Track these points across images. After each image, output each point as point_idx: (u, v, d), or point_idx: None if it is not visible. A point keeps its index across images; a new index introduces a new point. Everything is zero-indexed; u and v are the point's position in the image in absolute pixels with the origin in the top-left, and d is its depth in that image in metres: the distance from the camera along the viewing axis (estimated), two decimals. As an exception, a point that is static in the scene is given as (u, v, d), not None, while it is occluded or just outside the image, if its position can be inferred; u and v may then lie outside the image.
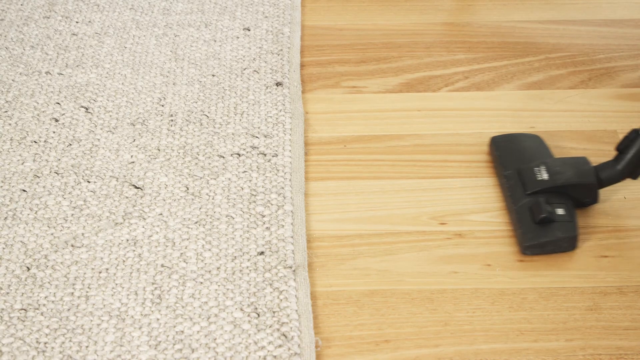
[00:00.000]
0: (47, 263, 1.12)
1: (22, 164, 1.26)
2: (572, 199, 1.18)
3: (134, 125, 1.34)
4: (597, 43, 1.55)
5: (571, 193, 1.18)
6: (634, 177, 1.19)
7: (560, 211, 1.16)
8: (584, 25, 1.59)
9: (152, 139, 1.31)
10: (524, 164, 1.22)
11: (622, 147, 1.18)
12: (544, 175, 1.19)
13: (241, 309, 1.06)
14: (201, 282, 1.09)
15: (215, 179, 1.24)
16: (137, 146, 1.30)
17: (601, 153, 1.31)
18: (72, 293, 1.08)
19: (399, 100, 1.43)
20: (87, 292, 1.08)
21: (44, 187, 1.23)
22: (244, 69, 1.46)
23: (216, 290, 1.08)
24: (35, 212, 1.19)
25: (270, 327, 1.04)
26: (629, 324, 1.06)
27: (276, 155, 1.28)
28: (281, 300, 1.07)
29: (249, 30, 1.56)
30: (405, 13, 1.64)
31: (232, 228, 1.17)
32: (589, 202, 1.20)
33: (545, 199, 1.16)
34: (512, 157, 1.25)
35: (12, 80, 1.43)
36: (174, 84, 1.43)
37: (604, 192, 1.24)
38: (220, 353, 1.01)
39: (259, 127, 1.34)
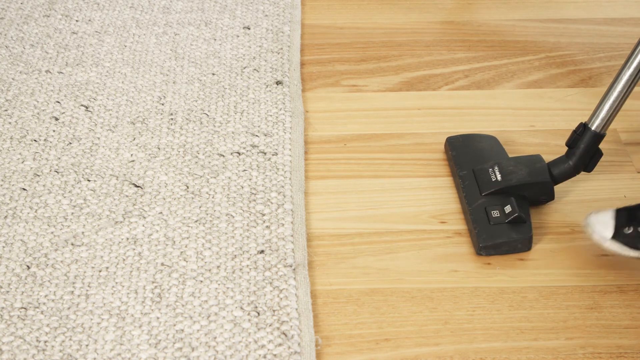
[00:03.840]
0: (47, 262, 1.12)
1: (22, 162, 1.26)
2: (527, 198, 1.18)
3: (134, 124, 1.34)
4: (597, 42, 1.55)
5: (525, 192, 1.18)
6: (589, 170, 1.19)
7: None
8: (584, 24, 1.59)
9: (152, 137, 1.31)
10: (479, 165, 1.22)
11: (571, 142, 1.18)
12: (497, 175, 1.18)
13: (241, 308, 1.06)
14: (201, 281, 1.09)
15: (215, 177, 1.24)
16: (137, 145, 1.30)
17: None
18: (72, 292, 1.08)
19: (399, 98, 1.43)
20: (87, 290, 1.08)
21: (44, 185, 1.23)
22: (244, 68, 1.46)
23: (216, 289, 1.08)
24: (35, 211, 1.19)
25: (270, 325, 1.04)
26: (629, 322, 1.06)
27: (276, 153, 1.28)
28: (281, 298, 1.07)
29: (249, 28, 1.56)
30: (406, 12, 1.64)
31: (232, 227, 1.17)
32: (545, 200, 1.20)
33: (496, 201, 1.15)
34: (467, 158, 1.25)
35: (12, 78, 1.43)
36: (174, 82, 1.43)
37: (605, 191, 1.24)
38: (220, 352, 1.01)
39: (259, 126, 1.34)
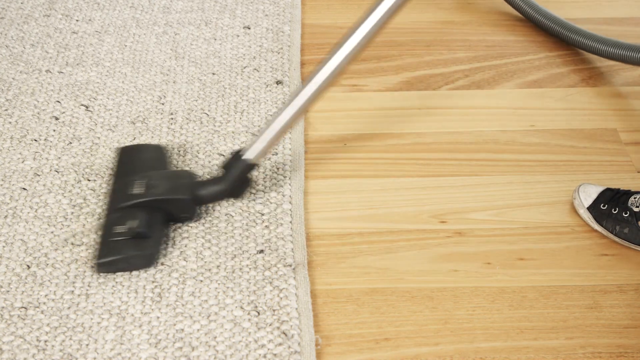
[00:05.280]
0: (47, 261, 1.12)
1: (23, 162, 1.26)
2: (167, 213, 1.14)
3: (134, 124, 1.34)
4: (597, 41, 1.55)
5: (165, 207, 1.14)
6: (235, 197, 1.18)
7: (136, 226, 1.10)
8: (585, 24, 1.59)
9: (152, 137, 1.31)
10: (129, 177, 1.17)
11: (226, 166, 1.16)
12: (140, 189, 1.14)
13: (241, 307, 1.06)
14: (201, 281, 1.09)
15: (215, 177, 1.24)
16: (137, 144, 1.30)
17: (601, 152, 1.31)
18: (72, 291, 1.08)
19: (399, 98, 1.43)
20: (87, 290, 1.08)
21: (44, 185, 1.23)
22: (244, 68, 1.46)
23: (216, 288, 1.08)
24: (36, 211, 1.19)
25: (270, 325, 1.04)
26: (629, 322, 1.06)
27: (276, 153, 1.28)
28: (281, 298, 1.07)
29: (249, 28, 1.56)
30: (406, 11, 1.63)
31: (231, 226, 1.17)
32: (186, 218, 1.16)
33: (127, 214, 1.11)
34: (124, 169, 1.22)
35: (13, 78, 1.43)
36: (174, 82, 1.43)
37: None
38: (220, 351, 1.01)
39: (259, 125, 1.34)
